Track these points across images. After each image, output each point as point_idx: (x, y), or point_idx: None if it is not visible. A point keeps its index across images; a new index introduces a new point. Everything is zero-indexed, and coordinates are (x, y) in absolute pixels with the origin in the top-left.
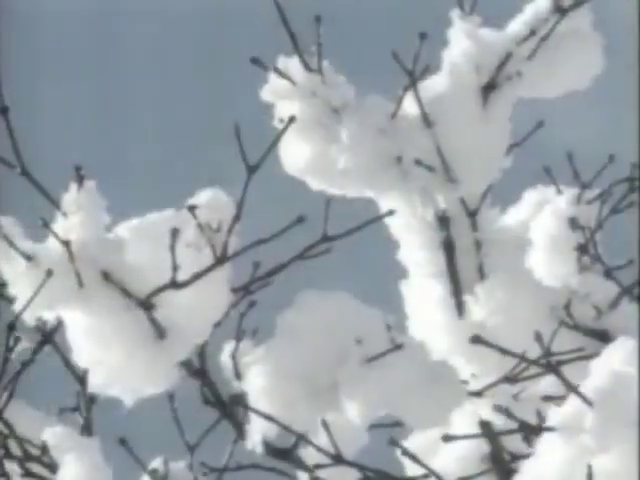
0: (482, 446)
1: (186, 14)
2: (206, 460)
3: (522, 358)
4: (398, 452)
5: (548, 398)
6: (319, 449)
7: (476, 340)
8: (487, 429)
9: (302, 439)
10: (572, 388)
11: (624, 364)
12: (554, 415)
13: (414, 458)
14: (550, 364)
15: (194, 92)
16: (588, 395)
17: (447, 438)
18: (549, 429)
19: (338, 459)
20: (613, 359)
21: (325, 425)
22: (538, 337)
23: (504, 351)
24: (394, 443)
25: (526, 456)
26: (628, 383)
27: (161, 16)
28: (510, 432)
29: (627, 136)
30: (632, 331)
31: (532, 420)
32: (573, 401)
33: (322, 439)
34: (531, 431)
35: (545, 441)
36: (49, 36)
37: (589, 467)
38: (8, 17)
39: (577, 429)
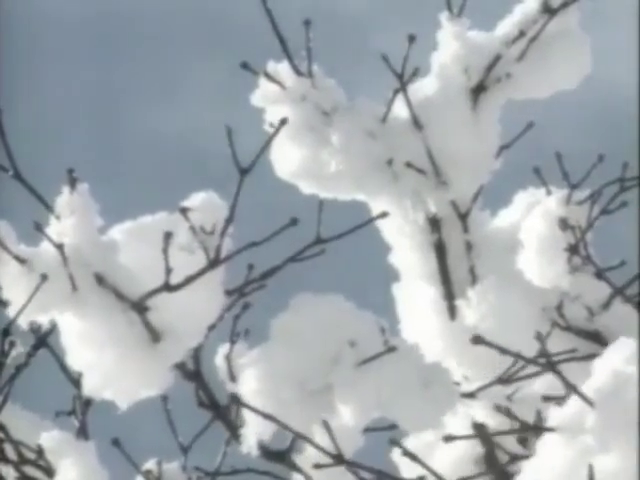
0: (476, 448)
1: (179, 17)
2: (200, 461)
3: (520, 357)
4: (393, 456)
5: (547, 398)
6: (320, 448)
7: (477, 340)
8: (481, 431)
9: (300, 437)
10: (571, 387)
11: (625, 364)
12: (555, 415)
13: (414, 457)
14: (549, 362)
15: (188, 96)
16: (589, 395)
17: (448, 438)
18: (550, 429)
19: (339, 459)
20: (614, 359)
21: (326, 425)
22: (539, 336)
23: (504, 351)
24: (394, 442)
25: (524, 457)
26: (629, 383)
27: (156, 19)
28: (509, 432)
29: (620, 135)
30: (625, 332)
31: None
32: (574, 401)
33: (317, 441)
34: (531, 431)
35: (546, 441)
36: (49, 36)
37: (590, 467)
38: (8, 17)
39: (578, 429)
